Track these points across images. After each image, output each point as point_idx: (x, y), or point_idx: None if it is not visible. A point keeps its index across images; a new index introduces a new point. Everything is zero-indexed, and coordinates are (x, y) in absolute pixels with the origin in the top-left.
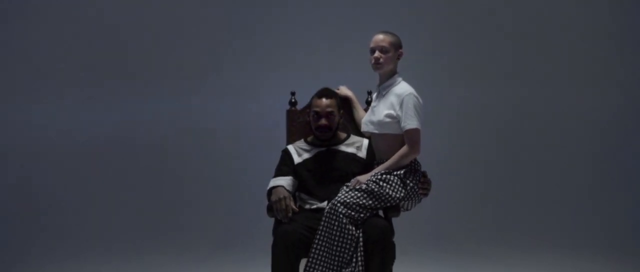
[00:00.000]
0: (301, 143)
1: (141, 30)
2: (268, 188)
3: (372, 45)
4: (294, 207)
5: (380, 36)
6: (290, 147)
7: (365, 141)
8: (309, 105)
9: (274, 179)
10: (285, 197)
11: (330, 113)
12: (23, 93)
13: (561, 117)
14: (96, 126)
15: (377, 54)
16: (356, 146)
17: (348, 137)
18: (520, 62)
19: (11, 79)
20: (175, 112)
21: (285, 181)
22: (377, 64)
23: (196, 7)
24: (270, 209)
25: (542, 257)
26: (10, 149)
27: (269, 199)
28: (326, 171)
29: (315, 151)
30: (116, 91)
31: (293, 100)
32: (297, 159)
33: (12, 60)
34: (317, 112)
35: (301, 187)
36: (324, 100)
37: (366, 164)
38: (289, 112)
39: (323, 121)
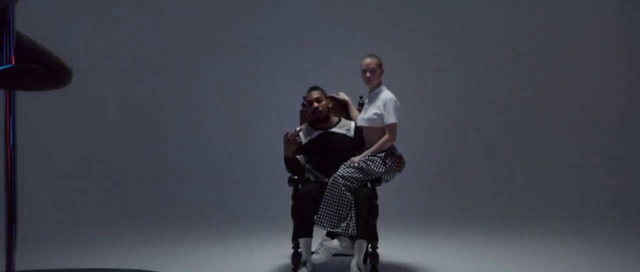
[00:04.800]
0: (306, 126)
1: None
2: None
3: (362, 67)
4: (298, 137)
5: (368, 60)
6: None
7: (352, 123)
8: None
9: None
10: (286, 133)
11: (318, 99)
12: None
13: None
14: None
15: (368, 74)
16: (346, 128)
17: (340, 120)
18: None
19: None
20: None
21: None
22: (368, 81)
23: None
24: (291, 181)
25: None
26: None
27: (289, 172)
28: (324, 148)
29: (316, 133)
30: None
31: (304, 103)
32: (304, 140)
33: None
34: (309, 101)
35: (309, 160)
36: (312, 93)
37: (354, 141)
38: (301, 112)
39: (315, 104)
